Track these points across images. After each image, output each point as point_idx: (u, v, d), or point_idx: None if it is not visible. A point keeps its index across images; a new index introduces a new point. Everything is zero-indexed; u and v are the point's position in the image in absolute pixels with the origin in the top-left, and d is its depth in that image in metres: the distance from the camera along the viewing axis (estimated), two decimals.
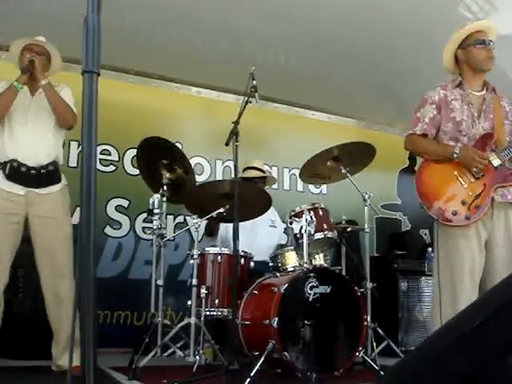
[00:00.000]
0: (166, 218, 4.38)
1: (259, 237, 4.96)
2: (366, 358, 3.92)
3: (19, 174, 3.58)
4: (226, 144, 3.74)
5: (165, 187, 4.34)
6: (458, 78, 3.49)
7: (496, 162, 3.26)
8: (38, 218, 3.60)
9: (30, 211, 3.60)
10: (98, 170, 5.36)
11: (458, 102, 3.40)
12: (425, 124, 3.44)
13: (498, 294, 0.92)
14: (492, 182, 3.26)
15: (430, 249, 5.64)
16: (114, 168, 5.48)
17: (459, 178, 3.29)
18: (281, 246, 4.55)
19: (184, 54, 5.37)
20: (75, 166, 5.21)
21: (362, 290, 4.14)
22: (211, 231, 4.96)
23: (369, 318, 4.16)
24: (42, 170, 3.64)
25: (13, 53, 3.75)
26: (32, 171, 3.61)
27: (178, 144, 5.84)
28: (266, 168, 5.47)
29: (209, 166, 6.06)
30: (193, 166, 5.62)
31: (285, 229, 4.86)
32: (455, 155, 3.26)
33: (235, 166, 3.75)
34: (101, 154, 5.40)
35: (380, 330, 4.31)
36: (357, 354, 3.79)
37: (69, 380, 1.08)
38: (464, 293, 3.19)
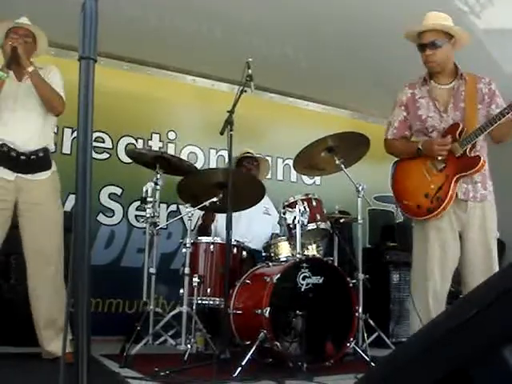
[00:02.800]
0: (159, 206, 4.36)
1: (254, 224, 4.97)
2: (357, 348, 3.96)
3: (9, 158, 3.55)
4: (221, 133, 3.74)
5: (158, 175, 4.32)
6: (423, 75, 3.52)
7: (457, 150, 3.26)
8: (27, 204, 3.58)
9: (19, 197, 3.57)
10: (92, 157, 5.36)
11: (424, 99, 3.47)
12: (394, 129, 3.57)
13: (492, 286, 0.93)
14: (453, 172, 3.27)
15: None
16: (107, 156, 5.46)
17: (425, 172, 3.37)
18: (275, 236, 4.55)
19: (179, 43, 5.36)
20: (69, 152, 5.21)
21: (354, 281, 4.15)
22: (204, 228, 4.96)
23: (360, 309, 4.17)
24: (32, 156, 3.61)
25: None
26: (22, 157, 3.57)
27: (171, 133, 5.85)
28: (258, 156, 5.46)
29: (203, 156, 6.06)
30: (186, 155, 5.65)
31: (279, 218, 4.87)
32: (419, 151, 3.36)
33: (229, 155, 3.76)
34: (94, 141, 5.37)
35: (371, 321, 4.34)
36: (348, 344, 3.82)
37: (62, 367, 1.07)
38: (434, 284, 3.30)
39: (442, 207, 3.24)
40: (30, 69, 3.57)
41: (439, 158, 3.30)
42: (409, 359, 1.03)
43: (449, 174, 3.28)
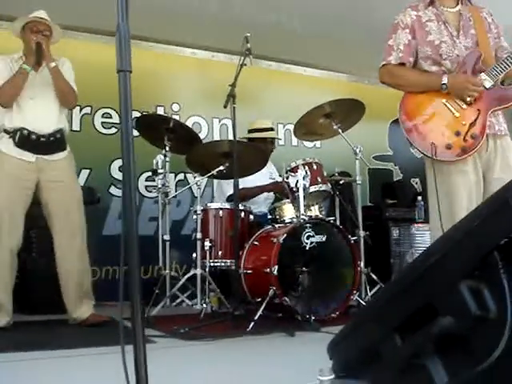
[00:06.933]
0: (168, 176, 4.60)
1: None
2: (360, 300, 4.21)
3: (29, 141, 3.77)
4: (225, 106, 3.94)
5: (167, 147, 4.56)
6: None
7: (488, 83, 2.89)
8: (49, 182, 3.81)
9: (40, 177, 3.80)
10: (100, 132, 5.57)
11: (433, 22, 3.02)
12: (400, 52, 3.04)
13: (449, 236, 1.18)
14: (487, 106, 2.89)
15: (420, 197, 5.90)
16: (115, 130, 5.62)
17: (449, 107, 2.91)
18: (279, 199, 4.77)
19: (177, 17, 5.44)
20: (78, 129, 5.43)
21: (355, 238, 4.37)
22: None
23: (362, 264, 4.38)
24: (51, 138, 3.84)
25: (15, 29, 3.86)
26: (42, 139, 3.80)
27: (175, 105, 6.04)
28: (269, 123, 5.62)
29: (206, 125, 6.22)
30: (191, 125, 5.82)
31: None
32: (444, 86, 2.89)
33: (233, 127, 3.95)
34: (102, 117, 5.58)
35: (373, 275, 4.58)
36: (352, 297, 4.05)
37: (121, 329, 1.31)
38: None
39: (479, 145, 2.84)
40: (52, 64, 3.78)
41: (468, 99, 2.88)
42: (389, 298, 1.29)
43: (481, 108, 2.88)
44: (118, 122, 5.65)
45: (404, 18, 3.06)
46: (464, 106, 2.88)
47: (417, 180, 7.20)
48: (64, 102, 3.93)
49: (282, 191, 4.69)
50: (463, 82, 2.87)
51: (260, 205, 4.94)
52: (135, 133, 5.18)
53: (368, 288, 4.52)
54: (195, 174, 4.46)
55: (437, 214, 2.88)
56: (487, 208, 1.13)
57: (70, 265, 3.84)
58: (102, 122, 5.59)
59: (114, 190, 5.61)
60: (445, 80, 2.88)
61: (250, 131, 5.41)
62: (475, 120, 2.86)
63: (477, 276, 1.13)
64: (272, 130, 5.54)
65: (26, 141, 3.78)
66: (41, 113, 3.82)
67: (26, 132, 3.77)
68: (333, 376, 1.34)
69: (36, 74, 3.84)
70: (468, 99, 2.87)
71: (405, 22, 3.05)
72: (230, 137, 5.54)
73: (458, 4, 3.07)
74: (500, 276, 1.09)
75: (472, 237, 1.12)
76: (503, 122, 3.02)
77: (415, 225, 5.78)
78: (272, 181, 5.01)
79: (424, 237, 5.65)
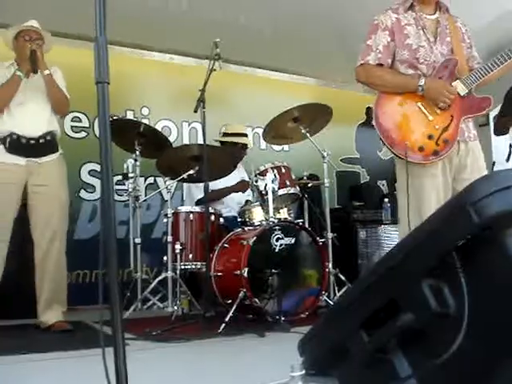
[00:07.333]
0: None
1: (231, 194, 5.17)
2: (328, 301, 4.29)
3: (19, 145, 3.81)
4: (195, 111, 3.99)
5: (137, 152, 4.59)
6: (409, 0, 3.15)
7: (462, 90, 2.98)
8: (34, 186, 3.85)
9: (28, 180, 3.84)
10: (70, 136, 5.56)
11: (412, 26, 3.09)
12: (379, 53, 3.09)
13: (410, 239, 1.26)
14: (460, 113, 2.98)
15: (386, 199, 6.02)
16: (85, 134, 5.63)
17: (423, 110, 2.99)
18: (249, 202, 4.83)
19: (145, 20, 5.43)
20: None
21: (323, 239, 4.46)
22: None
23: (330, 265, 4.46)
24: (41, 140, 3.87)
25: (7, 37, 3.91)
26: (31, 141, 3.83)
27: (145, 109, 6.06)
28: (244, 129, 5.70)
29: (176, 129, 6.25)
30: (160, 129, 5.84)
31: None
32: (420, 88, 2.96)
33: (203, 132, 3.98)
34: (72, 121, 5.57)
35: (341, 276, 4.66)
36: (320, 298, 4.13)
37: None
38: None
39: (450, 150, 2.93)
40: (46, 72, 3.83)
41: (441, 105, 2.96)
42: (356, 296, 1.37)
43: (454, 114, 2.97)
44: (88, 125, 5.67)
45: (384, 20, 3.12)
46: (438, 111, 2.97)
47: (383, 182, 7.34)
48: (57, 109, 3.98)
49: (247, 189, 4.80)
50: (439, 87, 2.95)
51: (231, 208, 5.00)
52: None
53: (336, 289, 4.61)
54: (165, 178, 4.51)
55: (406, 215, 2.94)
56: (446, 211, 1.21)
57: (47, 269, 3.86)
58: (72, 126, 5.58)
59: (84, 194, 5.60)
60: (422, 82, 2.95)
61: (224, 135, 5.45)
62: (448, 125, 2.94)
63: (437, 275, 1.21)
64: (246, 135, 5.59)
65: (16, 145, 3.82)
66: (30, 117, 3.86)
67: (15, 136, 3.81)
68: (303, 372, 1.40)
69: (27, 80, 3.86)
70: (441, 105, 2.94)
71: (385, 24, 3.10)
72: (200, 140, 5.59)
73: (436, 11, 3.16)
74: (458, 275, 1.17)
75: (432, 238, 1.20)
76: (472, 129, 3.11)
77: (382, 226, 5.88)
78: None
79: (391, 238, 5.77)
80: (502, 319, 1.11)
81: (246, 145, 5.54)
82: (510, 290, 1.10)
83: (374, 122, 3.04)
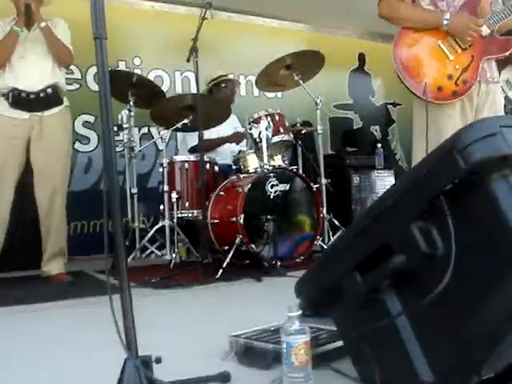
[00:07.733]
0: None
1: (225, 144, 5.17)
2: (323, 245, 4.40)
3: (21, 100, 3.83)
4: (187, 60, 3.99)
5: (131, 102, 4.61)
6: None
7: (485, 30, 2.83)
8: (38, 139, 3.88)
9: (32, 133, 3.87)
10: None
11: None
12: None
13: (404, 182, 1.32)
14: (481, 53, 2.86)
15: (379, 144, 6.08)
16: (77, 86, 5.61)
17: (444, 49, 2.88)
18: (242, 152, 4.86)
19: None
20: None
21: (317, 185, 4.53)
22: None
23: (324, 211, 4.56)
24: (42, 94, 3.88)
25: None
26: (31, 96, 3.84)
27: (137, 59, 6.02)
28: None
29: (168, 78, 6.22)
30: (153, 79, 5.82)
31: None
32: (445, 22, 2.82)
33: (197, 81, 4.00)
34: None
35: (335, 221, 4.76)
36: (315, 242, 4.23)
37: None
38: None
39: (469, 90, 2.84)
40: (43, 24, 3.80)
41: (468, 39, 2.82)
42: (350, 239, 1.43)
43: (475, 54, 2.85)
44: (80, 77, 5.65)
45: None
46: (459, 51, 2.85)
47: (376, 127, 7.36)
48: (59, 60, 3.95)
49: (242, 140, 4.83)
50: (466, 21, 2.81)
51: (225, 157, 5.02)
52: (97, 88, 5.18)
53: (330, 233, 4.71)
54: (159, 128, 4.53)
55: (424, 151, 2.80)
56: (434, 157, 1.26)
57: (51, 224, 3.94)
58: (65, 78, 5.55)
59: (78, 146, 5.61)
60: (447, 16, 2.82)
61: (209, 82, 5.43)
62: (468, 65, 2.84)
63: (426, 218, 1.27)
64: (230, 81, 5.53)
65: (18, 100, 3.84)
66: (31, 70, 3.85)
67: (16, 92, 3.82)
68: (300, 312, 1.47)
69: (28, 34, 3.84)
70: (468, 39, 2.81)
71: None
72: (193, 89, 5.59)
73: None
74: (446, 218, 1.23)
75: (422, 183, 1.25)
76: (495, 70, 3.00)
77: (375, 171, 5.95)
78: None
79: (384, 183, 5.84)
80: (485, 260, 1.18)
81: (232, 81, 5.53)
82: (494, 232, 1.17)
83: (392, 61, 2.90)
